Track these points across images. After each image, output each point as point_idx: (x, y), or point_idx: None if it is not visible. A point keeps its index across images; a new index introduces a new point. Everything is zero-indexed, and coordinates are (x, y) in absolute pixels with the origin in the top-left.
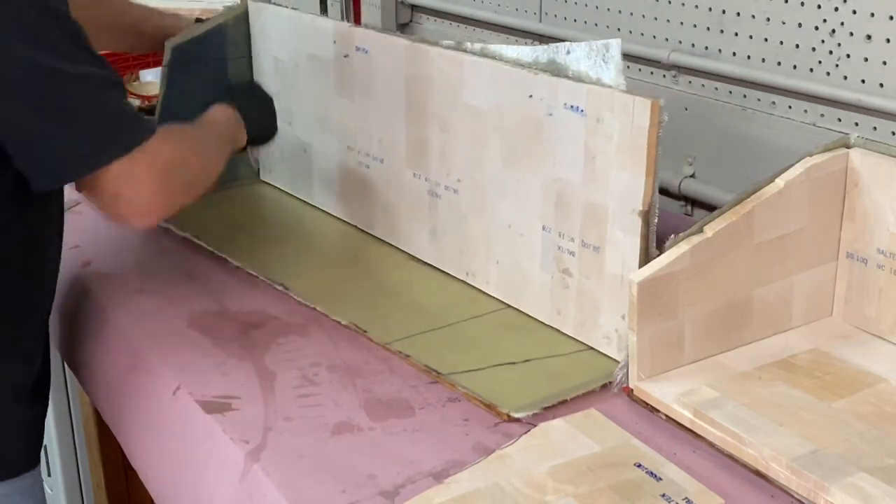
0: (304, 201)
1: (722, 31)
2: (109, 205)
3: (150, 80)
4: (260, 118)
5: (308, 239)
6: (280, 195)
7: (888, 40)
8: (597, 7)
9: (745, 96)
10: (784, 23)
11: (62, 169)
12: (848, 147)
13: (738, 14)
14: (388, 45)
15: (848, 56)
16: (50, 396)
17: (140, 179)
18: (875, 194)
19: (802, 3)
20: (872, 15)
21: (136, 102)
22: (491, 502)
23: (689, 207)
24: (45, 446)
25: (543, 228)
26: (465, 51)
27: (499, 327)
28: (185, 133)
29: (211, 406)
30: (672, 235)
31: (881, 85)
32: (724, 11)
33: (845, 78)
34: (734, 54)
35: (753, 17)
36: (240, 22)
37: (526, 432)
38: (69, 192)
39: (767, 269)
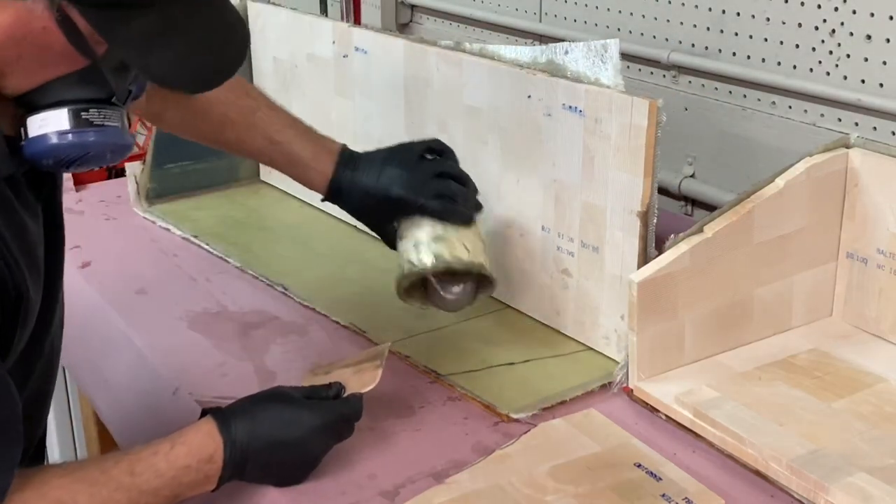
0: (304, 201)
1: (722, 31)
2: None
3: None
4: (268, 470)
5: (308, 239)
6: (280, 195)
7: (888, 40)
8: (597, 7)
9: (745, 96)
10: (784, 23)
11: None
12: (848, 147)
13: (738, 14)
14: (387, 45)
15: (848, 56)
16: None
17: None
18: (875, 194)
19: (802, 3)
20: (872, 15)
21: None
22: (491, 502)
23: (689, 207)
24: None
25: (543, 229)
26: (463, 51)
27: (499, 327)
28: None
29: (211, 406)
30: (672, 235)
31: (881, 85)
32: (724, 11)
33: (845, 78)
34: (734, 54)
35: (753, 17)
36: None
37: (526, 432)
38: (66, 196)
39: (767, 269)
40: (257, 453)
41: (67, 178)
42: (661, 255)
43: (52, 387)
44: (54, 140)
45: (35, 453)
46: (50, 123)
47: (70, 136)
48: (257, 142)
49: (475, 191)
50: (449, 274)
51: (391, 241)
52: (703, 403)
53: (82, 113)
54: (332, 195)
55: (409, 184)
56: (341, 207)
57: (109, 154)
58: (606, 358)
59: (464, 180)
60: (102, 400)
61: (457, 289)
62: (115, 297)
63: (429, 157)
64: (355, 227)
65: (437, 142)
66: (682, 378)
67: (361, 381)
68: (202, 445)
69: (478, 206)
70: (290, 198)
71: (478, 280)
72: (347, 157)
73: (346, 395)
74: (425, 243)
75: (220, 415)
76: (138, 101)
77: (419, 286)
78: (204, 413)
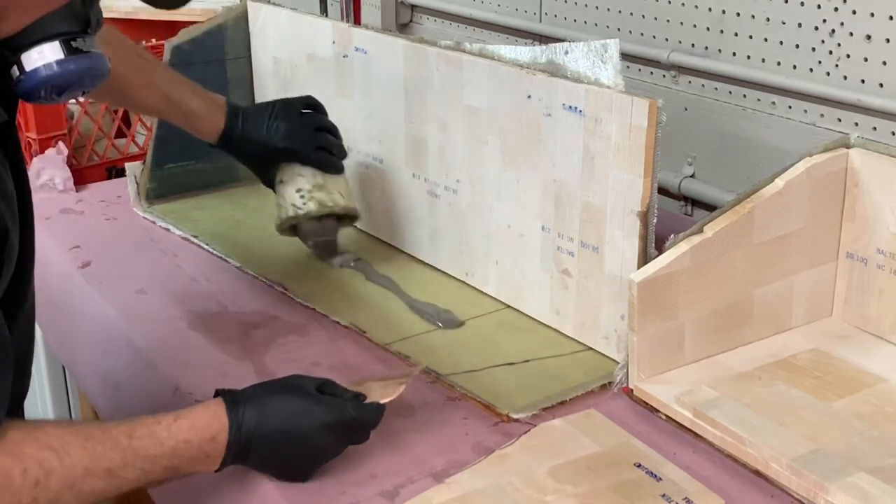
0: None
1: (722, 31)
2: None
3: None
4: (271, 460)
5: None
6: None
7: (888, 40)
8: (597, 7)
9: (745, 96)
10: (784, 23)
11: None
12: (848, 147)
13: (738, 14)
14: (386, 45)
15: (848, 56)
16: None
17: None
18: (875, 194)
19: (802, 3)
20: (872, 15)
21: None
22: (491, 502)
23: (689, 207)
24: None
25: (542, 229)
26: (463, 51)
27: (498, 327)
28: (11, 475)
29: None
30: (672, 235)
31: (881, 85)
32: (724, 11)
33: (845, 78)
34: (734, 54)
35: (753, 17)
36: (239, 22)
37: (526, 432)
38: (66, 196)
39: (767, 269)
40: (262, 441)
41: (67, 178)
42: (661, 255)
43: (33, 346)
44: (56, 69)
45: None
46: (46, 55)
47: (66, 63)
48: (154, 99)
49: (341, 140)
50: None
51: (271, 184)
52: (703, 403)
53: (71, 42)
54: (223, 144)
55: (293, 136)
56: (230, 154)
57: (95, 79)
58: (606, 358)
59: (336, 133)
60: (102, 400)
61: (328, 227)
62: (115, 297)
63: (306, 111)
64: (355, 226)
65: (312, 98)
66: (682, 378)
67: (384, 392)
68: (207, 424)
69: (345, 155)
70: None
71: (342, 217)
72: (235, 111)
73: (366, 402)
74: (308, 190)
75: (231, 397)
76: None
77: (293, 225)
78: (217, 394)
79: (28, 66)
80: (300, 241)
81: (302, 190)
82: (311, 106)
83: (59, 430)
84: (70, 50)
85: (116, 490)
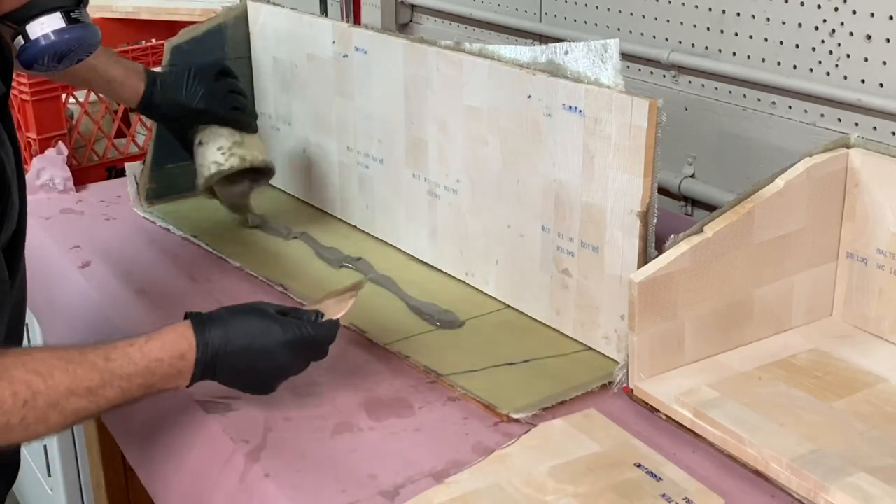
0: (304, 201)
1: (722, 31)
2: None
3: None
4: (238, 373)
5: (308, 239)
6: (280, 195)
7: (888, 40)
8: (597, 7)
9: (745, 96)
10: (784, 23)
11: None
12: (848, 147)
13: (738, 14)
14: (386, 45)
15: (848, 56)
16: None
17: None
18: (875, 194)
19: (802, 3)
20: (872, 15)
21: None
22: (491, 502)
23: (689, 207)
24: (45, 446)
25: (542, 229)
26: (463, 51)
27: (498, 327)
28: (3, 403)
29: (211, 406)
30: (672, 235)
31: (881, 85)
32: (724, 11)
33: (845, 78)
34: (734, 54)
35: (753, 17)
36: (239, 22)
37: (525, 432)
38: (66, 196)
39: (767, 269)
40: (227, 357)
41: (67, 177)
42: (661, 255)
43: (26, 305)
44: (57, 37)
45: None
46: (48, 25)
47: (66, 32)
48: (81, 69)
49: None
50: (238, 172)
51: (190, 147)
52: (703, 403)
53: (70, 13)
54: (144, 108)
55: (210, 98)
56: (150, 117)
57: (90, 47)
58: (606, 358)
59: (246, 96)
60: None
61: (244, 186)
62: (115, 297)
63: (220, 76)
64: (355, 226)
65: (224, 64)
66: (682, 378)
67: (338, 308)
68: (175, 343)
69: (256, 116)
70: (290, 198)
71: (258, 175)
72: (153, 76)
73: (322, 320)
74: (228, 147)
75: (198, 319)
76: None
77: (211, 187)
78: (186, 316)
79: (32, 35)
80: (222, 201)
81: (223, 147)
82: (225, 71)
83: (43, 355)
84: (69, 20)
85: (97, 408)
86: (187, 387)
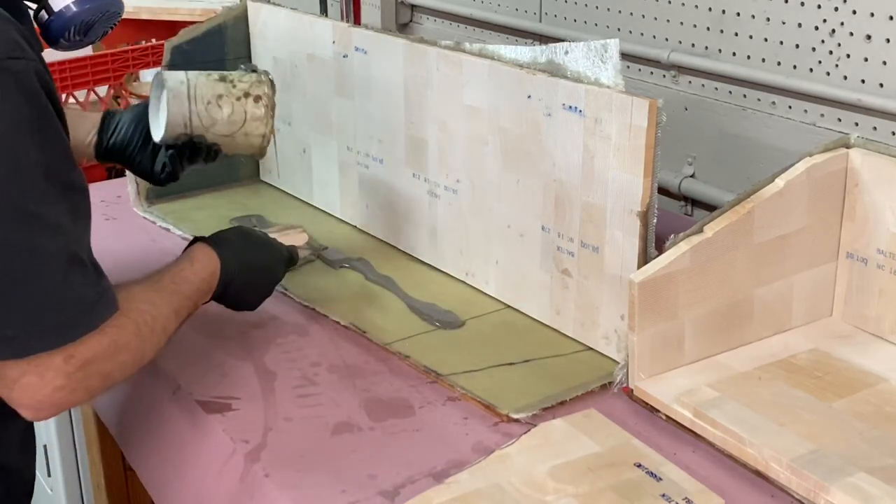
0: (304, 201)
1: (722, 31)
2: (2, 386)
3: (150, 80)
4: (244, 288)
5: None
6: (280, 195)
7: (888, 40)
8: (597, 7)
9: (745, 96)
10: (784, 23)
11: None
12: (848, 147)
13: (738, 14)
14: (386, 45)
15: (848, 56)
16: None
17: (47, 372)
18: (875, 194)
19: (802, 3)
20: (872, 15)
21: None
22: (491, 502)
23: (689, 207)
24: (45, 446)
25: (543, 229)
26: (463, 51)
27: (498, 327)
28: (137, 326)
29: (211, 406)
30: (672, 235)
31: (881, 85)
32: (724, 11)
33: (845, 78)
34: (734, 54)
35: (753, 17)
36: (239, 22)
37: (526, 432)
38: None
39: (767, 269)
40: (243, 275)
41: None
42: (661, 255)
43: None
44: (85, 5)
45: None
46: None
47: (90, 2)
48: None
49: None
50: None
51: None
52: (703, 403)
53: None
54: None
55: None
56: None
57: (114, 17)
58: (606, 358)
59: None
60: (102, 400)
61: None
62: None
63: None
64: (355, 226)
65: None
66: (682, 378)
67: (293, 240)
68: (209, 264)
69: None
70: (290, 198)
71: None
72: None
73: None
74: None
75: (215, 243)
76: None
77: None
78: (194, 240)
79: (56, 7)
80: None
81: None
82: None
83: (140, 287)
84: None
85: (176, 327)
86: (205, 302)
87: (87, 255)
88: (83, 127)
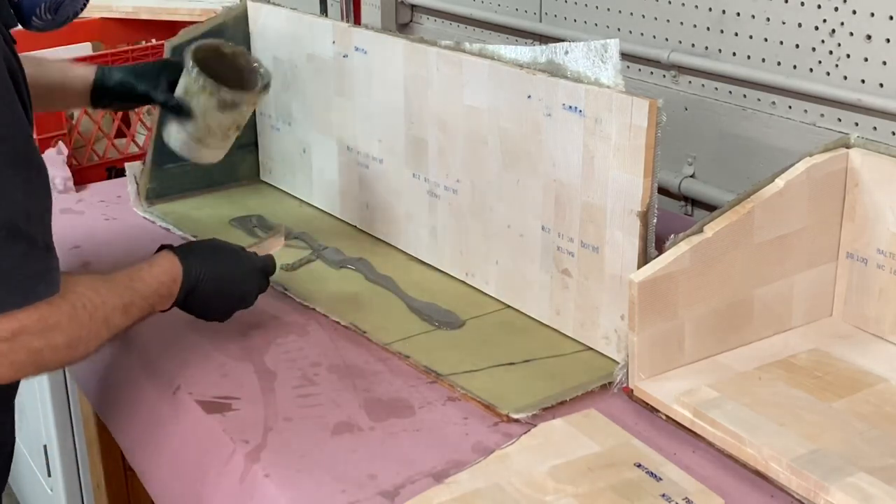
0: (304, 201)
1: (722, 31)
2: None
3: None
4: (210, 297)
5: (307, 239)
6: (280, 195)
7: (888, 40)
8: (597, 7)
9: (745, 96)
10: (784, 23)
11: None
12: (848, 147)
13: (738, 14)
14: (386, 45)
15: (848, 56)
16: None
17: None
18: (875, 194)
19: (802, 3)
20: (872, 15)
21: None
22: (491, 502)
23: (689, 207)
24: (45, 446)
25: (542, 229)
26: (463, 51)
27: (498, 327)
28: (74, 309)
29: (211, 406)
30: (672, 235)
31: (881, 85)
32: (724, 11)
33: (845, 78)
34: (734, 54)
35: (753, 17)
36: (239, 22)
37: (526, 432)
38: (66, 196)
39: (767, 269)
40: (207, 283)
41: (67, 177)
42: (661, 255)
43: None
44: None
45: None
46: None
47: None
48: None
49: None
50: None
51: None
52: (703, 403)
53: None
54: (95, 92)
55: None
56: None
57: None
58: (606, 358)
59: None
60: (102, 400)
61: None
62: None
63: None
64: (355, 226)
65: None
66: (682, 378)
67: (272, 245)
68: (171, 268)
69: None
70: (290, 198)
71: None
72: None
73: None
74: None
75: (180, 250)
76: None
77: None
78: (161, 248)
79: None
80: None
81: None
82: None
83: (88, 277)
84: None
85: (126, 325)
86: (166, 310)
87: (37, 233)
88: (77, 70)
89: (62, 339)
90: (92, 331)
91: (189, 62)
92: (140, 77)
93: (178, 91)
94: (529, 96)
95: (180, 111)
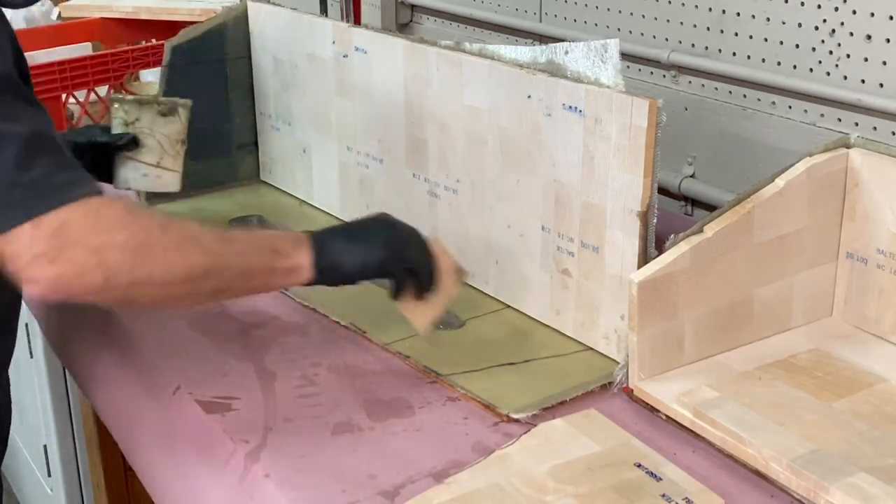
0: (304, 201)
1: (722, 31)
2: (7, 267)
3: (150, 80)
4: (357, 252)
5: None
6: (280, 195)
7: (888, 40)
8: (597, 7)
9: (745, 96)
10: (784, 23)
11: None
12: (848, 147)
13: (738, 14)
14: (386, 45)
15: (848, 56)
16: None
17: (20, 240)
18: (875, 194)
19: (802, 3)
20: (872, 15)
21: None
22: (491, 502)
23: (689, 207)
24: (45, 446)
25: (542, 229)
26: (463, 51)
27: (498, 327)
28: (127, 208)
29: (211, 406)
30: (672, 235)
31: (881, 85)
32: (724, 11)
33: (845, 78)
34: (734, 54)
35: (753, 17)
36: (239, 22)
37: (526, 432)
38: None
39: (767, 269)
40: (339, 234)
41: None
42: (661, 255)
43: (21, 301)
44: None
45: None
46: None
47: None
48: None
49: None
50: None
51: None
52: (703, 403)
53: None
54: None
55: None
56: None
57: None
58: (606, 358)
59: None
60: (102, 400)
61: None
62: None
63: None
64: None
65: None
66: (682, 378)
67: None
68: (290, 234)
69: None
70: (290, 197)
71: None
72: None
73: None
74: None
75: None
76: None
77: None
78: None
79: None
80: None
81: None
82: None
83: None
84: None
85: (230, 257)
86: (303, 282)
87: (63, 152)
88: None
89: (124, 238)
90: (169, 242)
91: (113, 105)
92: (77, 143)
93: (116, 132)
94: (529, 96)
95: (131, 142)
